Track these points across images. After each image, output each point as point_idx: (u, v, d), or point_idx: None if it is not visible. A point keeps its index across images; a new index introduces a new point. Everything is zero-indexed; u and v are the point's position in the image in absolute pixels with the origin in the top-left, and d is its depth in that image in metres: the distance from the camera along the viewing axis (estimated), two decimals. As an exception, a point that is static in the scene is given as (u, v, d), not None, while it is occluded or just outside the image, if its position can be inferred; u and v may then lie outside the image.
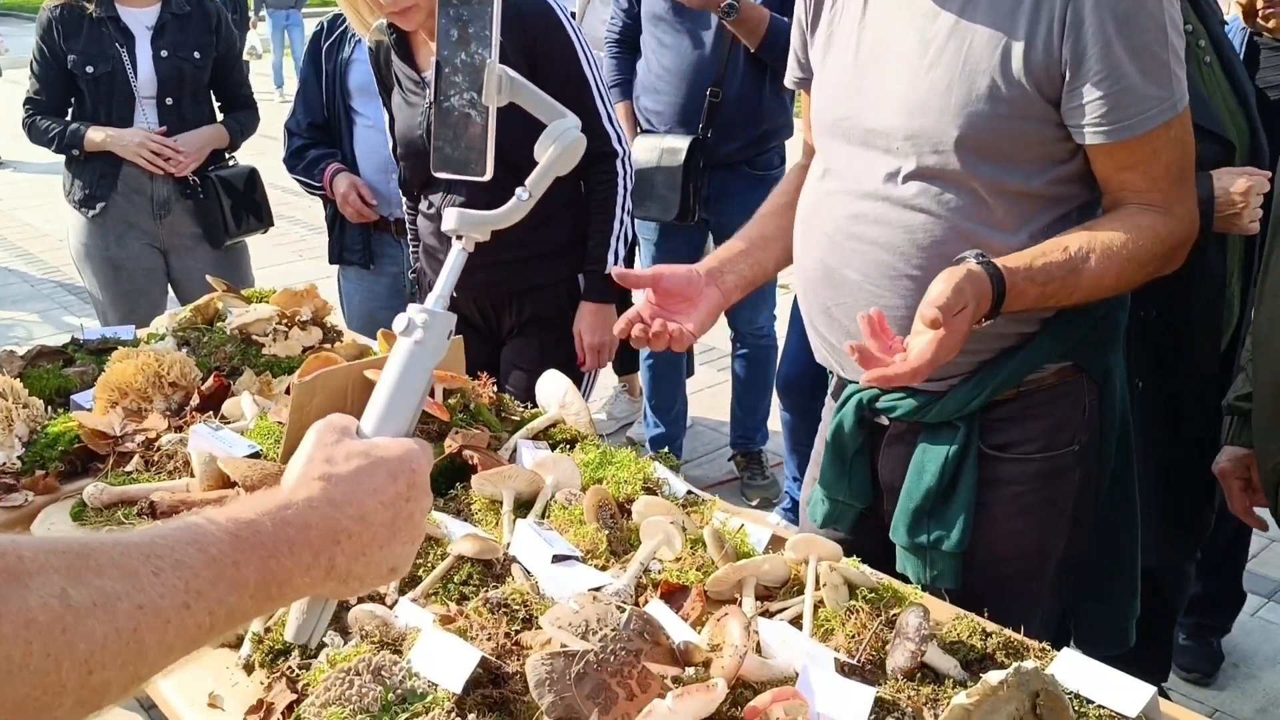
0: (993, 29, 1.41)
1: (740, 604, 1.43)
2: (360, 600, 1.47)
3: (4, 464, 1.88)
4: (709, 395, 4.58)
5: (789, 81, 1.79)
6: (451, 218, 0.98)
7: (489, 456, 1.75)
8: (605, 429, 4.31)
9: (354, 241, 3.17)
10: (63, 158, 3.29)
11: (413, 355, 0.96)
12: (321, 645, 1.36)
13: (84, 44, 3.15)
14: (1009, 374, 1.56)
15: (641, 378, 3.99)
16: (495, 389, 2.06)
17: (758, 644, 1.29)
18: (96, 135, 3.18)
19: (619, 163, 2.40)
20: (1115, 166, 1.45)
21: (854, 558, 1.45)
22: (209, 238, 3.37)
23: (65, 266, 6.62)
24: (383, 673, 1.24)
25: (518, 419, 2.02)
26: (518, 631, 1.38)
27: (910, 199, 1.50)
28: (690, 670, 1.24)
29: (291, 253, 6.79)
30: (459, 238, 1.03)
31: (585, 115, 2.33)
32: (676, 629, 1.32)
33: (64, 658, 0.62)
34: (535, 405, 2.11)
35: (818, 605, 1.40)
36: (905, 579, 1.65)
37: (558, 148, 1.01)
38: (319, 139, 3.12)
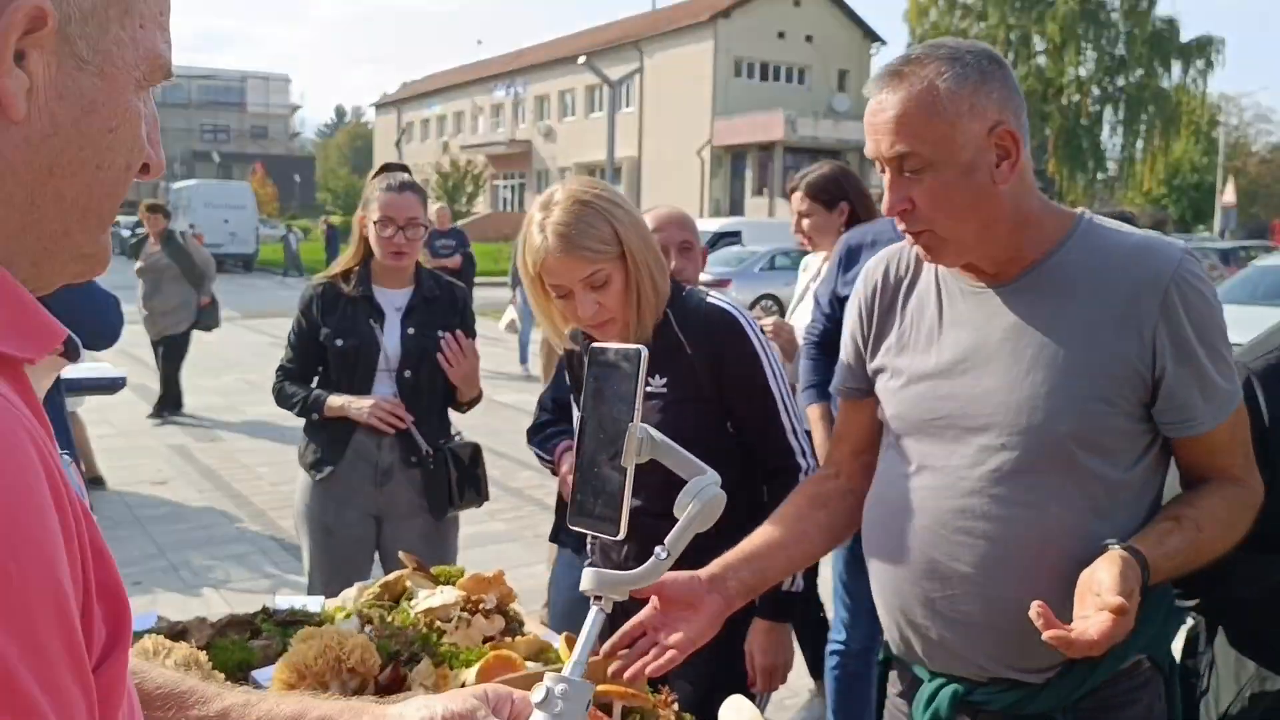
0: (1087, 339, 1.54)
1: None
2: None
3: (176, 742, 1.84)
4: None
5: (836, 389, 1.91)
6: (589, 578, 0.96)
7: (667, 797, 1.59)
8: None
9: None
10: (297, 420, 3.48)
11: None
12: None
13: (338, 319, 3.40)
14: (1109, 662, 1.58)
15: (828, 685, 3.72)
16: (678, 710, 1.91)
17: None
18: (335, 401, 3.37)
19: (802, 476, 2.31)
20: (1202, 452, 1.59)
21: None
22: (433, 508, 3.44)
23: (272, 513, 6.95)
24: None
25: (699, 747, 1.86)
26: None
27: (1017, 494, 1.57)
28: None
29: (503, 524, 6.79)
30: (597, 599, 1.00)
31: (769, 428, 2.29)
32: None
33: None
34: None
35: None
36: None
37: (697, 505, 1.00)
38: (565, 417, 3.17)
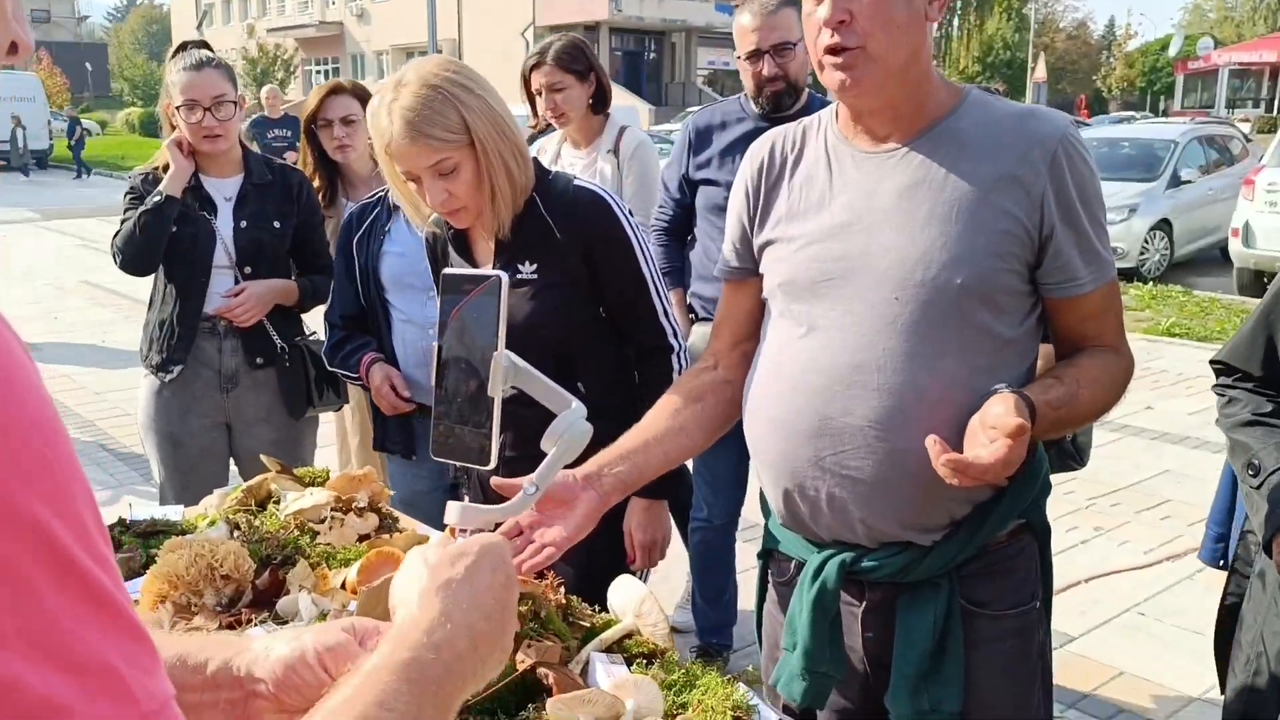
0: (979, 197, 1.58)
1: None
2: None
3: (45, 664, 1.77)
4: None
5: (719, 271, 1.92)
6: (454, 512, 0.94)
7: (564, 676, 1.63)
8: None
9: (395, 432, 3.11)
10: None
11: None
12: None
13: None
14: (990, 527, 1.64)
15: (691, 558, 3.85)
16: (565, 592, 1.95)
17: None
18: (169, 185, 3.14)
19: (674, 357, 2.34)
20: (1078, 318, 1.66)
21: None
22: (290, 407, 3.32)
23: (101, 423, 6.62)
24: None
25: (587, 625, 1.91)
26: None
27: (914, 346, 1.59)
28: None
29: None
30: (463, 532, 0.98)
31: (642, 310, 2.30)
32: None
33: None
34: (595, 606, 1.99)
35: None
36: None
37: (565, 442, 0.99)
38: (356, 329, 3.09)
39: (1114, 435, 6.04)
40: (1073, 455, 2.40)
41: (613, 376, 2.32)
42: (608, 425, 2.37)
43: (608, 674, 1.69)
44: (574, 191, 2.23)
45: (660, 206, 3.68)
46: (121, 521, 2.37)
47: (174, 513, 2.42)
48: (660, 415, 1.86)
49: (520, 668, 1.65)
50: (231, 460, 3.44)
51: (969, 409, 1.53)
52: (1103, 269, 1.63)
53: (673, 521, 2.48)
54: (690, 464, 3.73)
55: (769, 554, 1.91)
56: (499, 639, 0.87)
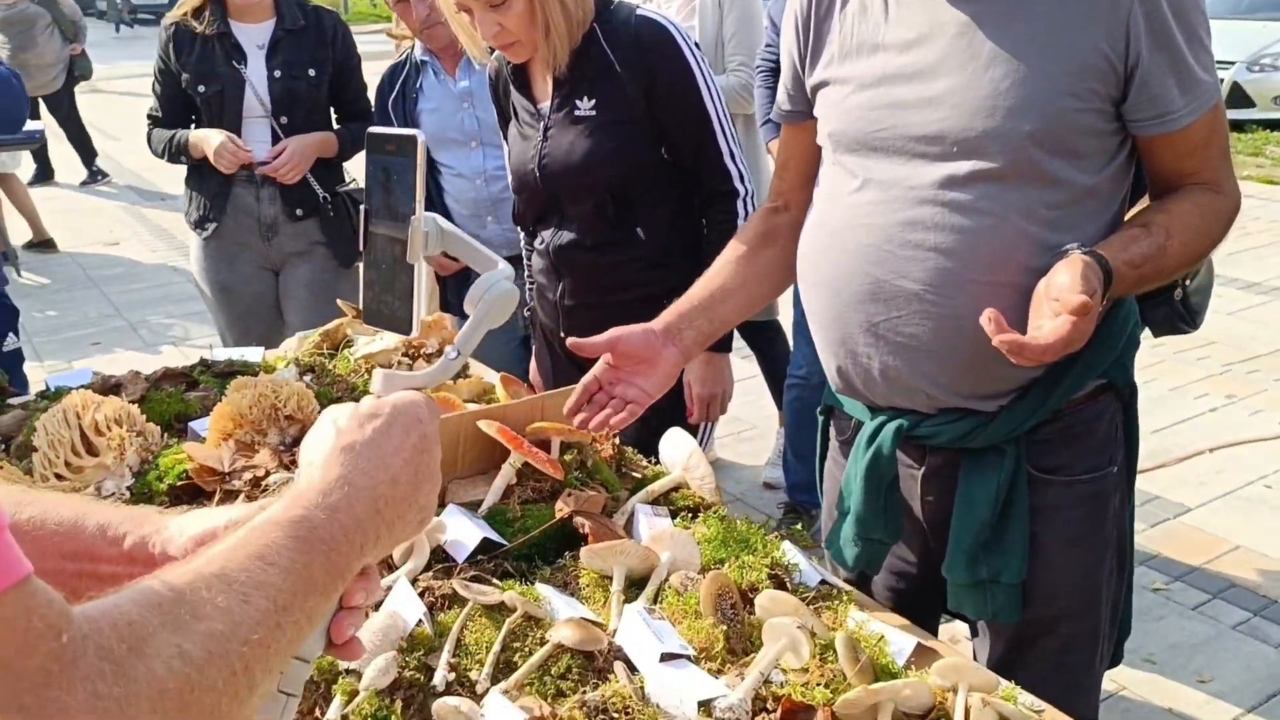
0: (1051, 28, 1.39)
1: (874, 733, 1.24)
2: (447, 688, 1.34)
3: (111, 495, 1.83)
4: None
5: (777, 115, 1.77)
6: (379, 380, 0.92)
7: (602, 525, 1.60)
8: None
9: (454, 293, 3.07)
10: None
11: None
12: (398, 742, 1.23)
13: (196, 62, 3.12)
14: (1064, 390, 1.51)
15: (786, 416, 3.78)
16: (618, 443, 1.91)
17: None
18: (193, 137, 3.14)
19: (740, 202, 2.20)
20: (1175, 155, 1.47)
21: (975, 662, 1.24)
22: (339, 256, 3.31)
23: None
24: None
25: (639, 475, 1.87)
26: (616, 745, 1.22)
27: (973, 202, 1.44)
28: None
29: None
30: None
31: (707, 150, 2.17)
32: (796, 764, 1.13)
33: (196, 717, 0.61)
34: (652, 458, 1.95)
35: (967, 746, 1.19)
36: (961, 617, 1.70)
37: (486, 304, 0.93)
38: None
39: (1261, 298, 5.62)
40: (1183, 317, 2.19)
41: (674, 223, 2.21)
42: (668, 275, 2.30)
43: (650, 526, 1.65)
44: (636, 22, 2.09)
45: (767, 45, 3.47)
46: (203, 362, 2.42)
47: (253, 354, 2.46)
48: (732, 262, 1.75)
49: (559, 516, 1.62)
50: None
51: (1038, 269, 1.37)
52: (1202, 95, 1.42)
53: (731, 375, 2.39)
54: (793, 319, 3.65)
55: (830, 411, 1.81)
56: (410, 502, 0.84)
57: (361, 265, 0.94)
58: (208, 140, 3.08)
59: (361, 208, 0.93)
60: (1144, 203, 1.58)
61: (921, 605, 1.77)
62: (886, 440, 1.58)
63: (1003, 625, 1.61)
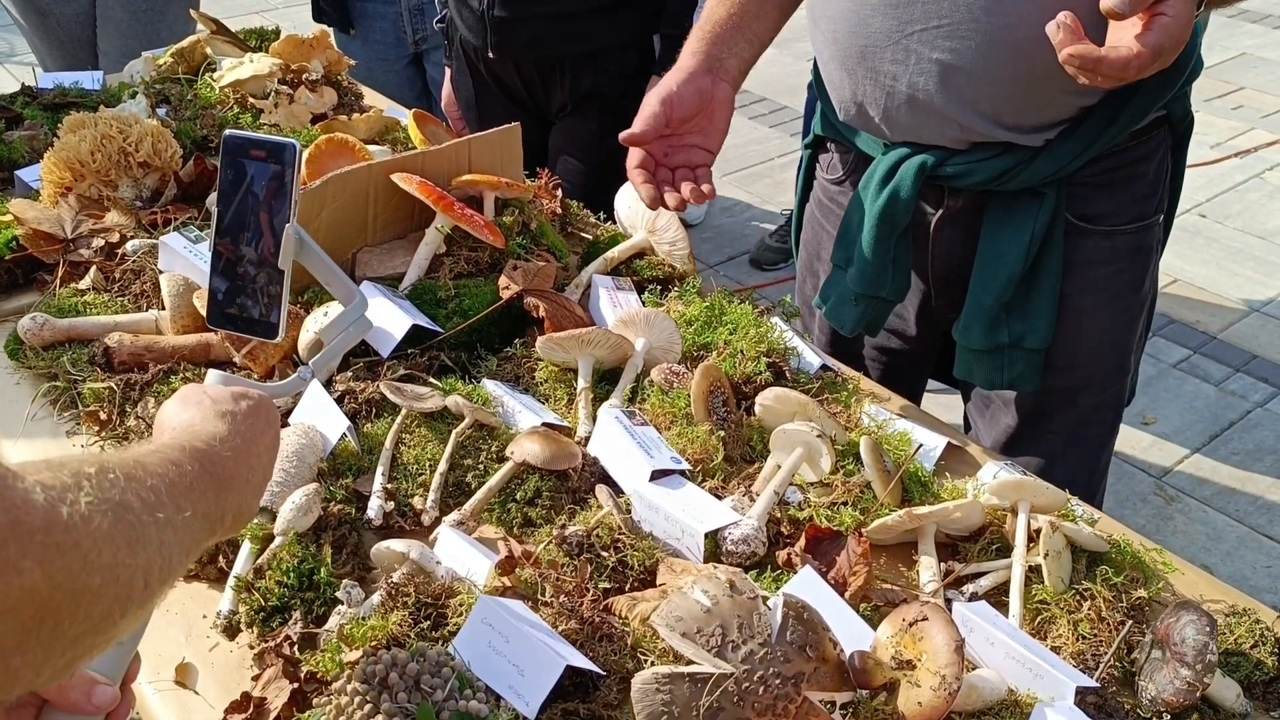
0: None
1: (916, 561, 1.03)
2: (385, 521, 1.07)
3: (-77, 270, 1.44)
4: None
5: None
6: (213, 378, 0.88)
7: (559, 306, 1.30)
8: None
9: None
10: None
11: None
12: (334, 602, 0.97)
13: None
14: (1125, 121, 1.25)
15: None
16: (560, 195, 1.58)
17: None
18: None
19: None
20: None
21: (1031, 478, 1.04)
22: None
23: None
24: (423, 682, 0.85)
25: (589, 238, 1.56)
26: (605, 591, 0.98)
27: None
28: (865, 694, 0.86)
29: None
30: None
31: None
32: (838, 617, 0.92)
33: (133, 567, 0.56)
34: (600, 214, 1.63)
35: (1029, 578, 0.99)
36: (968, 384, 1.47)
37: (346, 338, 0.96)
38: None
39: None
40: None
41: None
42: (630, 13, 1.90)
43: (613, 304, 1.36)
44: None
45: None
46: (26, 90, 1.95)
47: (90, 80, 1.99)
48: None
49: (505, 295, 1.32)
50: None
51: None
52: None
53: None
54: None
55: (818, 144, 1.51)
56: (259, 489, 0.79)
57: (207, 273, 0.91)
58: None
59: (214, 211, 0.89)
60: None
61: (909, 373, 1.57)
62: (907, 180, 1.30)
63: (1015, 396, 1.42)
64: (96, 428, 1.17)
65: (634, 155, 1.24)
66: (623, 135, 1.23)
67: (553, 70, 1.99)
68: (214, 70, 1.96)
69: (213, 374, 0.88)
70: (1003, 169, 1.26)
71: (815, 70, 1.43)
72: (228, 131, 0.89)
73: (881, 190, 1.31)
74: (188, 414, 0.77)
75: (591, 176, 2.00)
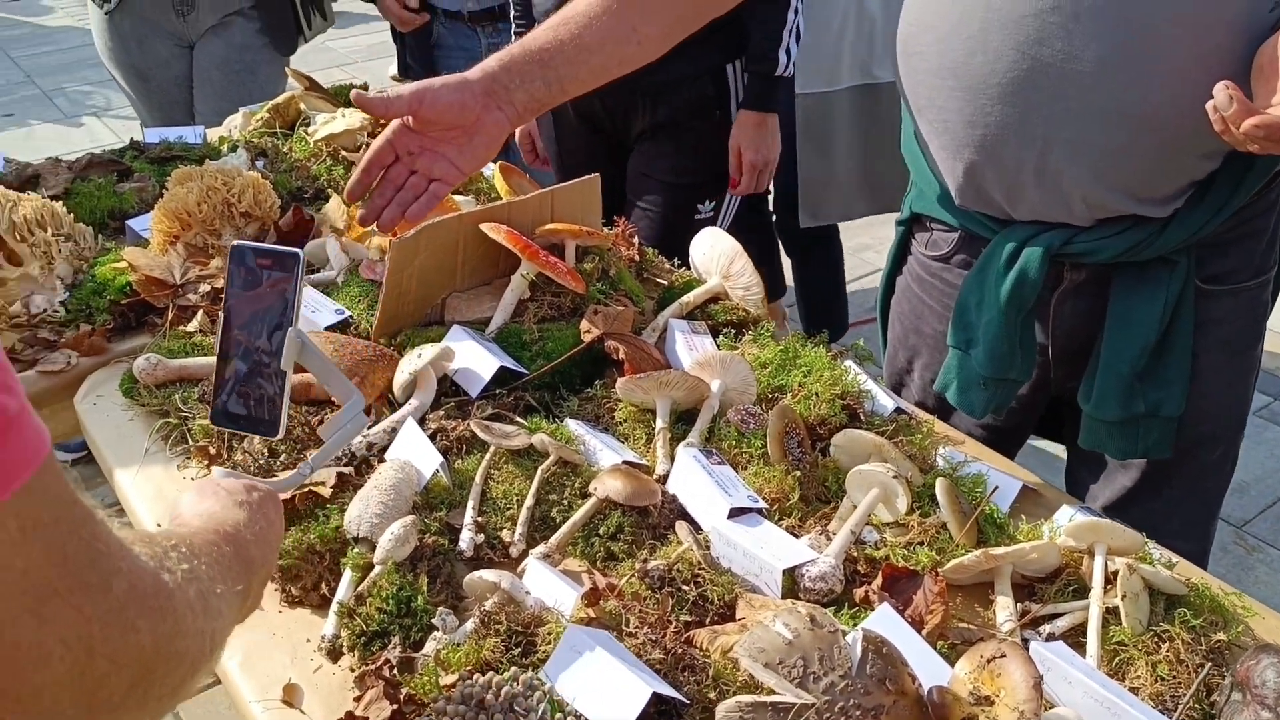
0: None
1: (993, 602, 1.05)
2: (475, 553, 1.12)
3: (44, 312, 1.54)
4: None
5: None
6: (219, 474, 0.91)
7: (637, 349, 1.35)
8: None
9: (416, 51, 2.67)
10: None
11: None
12: (430, 628, 1.02)
13: None
14: (1250, 182, 1.24)
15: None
16: (638, 241, 1.64)
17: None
18: None
19: None
20: None
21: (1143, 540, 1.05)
22: (278, 43, 2.80)
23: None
24: (516, 705, 0.89)
25: (664, 283, 1.61)
26: (686, 624, 1.02)
27: None
28: (943, 728, 0.88)
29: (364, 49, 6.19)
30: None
31: None
32: (916, 653, 0.94)
33: (207, 634, 0.60)
34: (673, 258, 1.69)
35: (1106, 619, 1.00)
36: (1098, 456, 1.43)
37: (343, 435, 0.97)
38: None
39: None
40: None
41: None
42: (708, 42, 1.96)
43: (689, 347, 1.40)
44: None
45: None
46: (134, 144, 2.07)
47: (193, 134, 2.11)
48: (602, 14, 1.26)
49: (586, 338, 1.37)
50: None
51: (1252, 31, 1.08)
52: None
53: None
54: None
55: (915, 222, 1.50)
56: (268, 578, 0.83)
57: (215, 361, 0.94)
58: None
59: (224, 306, 0.92)
60: None
61: (1013, 436, 1.56)
62: (1034, 263, 1.30)
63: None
64: (206, 461, 1.25)
65: (379, 141, 1.22)
66: (355, 93, 1.22)
67: (632, 97, 2.09)
68: (308, 125, 2.07)
69: (218, 471, 0.92)
70: (1131, 243, 1.27)
71: (910, 149, 1.44)
72: (236, 242, 0.93)
73: (1006, 274, 1.31)
74: (206, 504, 0.80)
75: (669, 198, 2.08)
